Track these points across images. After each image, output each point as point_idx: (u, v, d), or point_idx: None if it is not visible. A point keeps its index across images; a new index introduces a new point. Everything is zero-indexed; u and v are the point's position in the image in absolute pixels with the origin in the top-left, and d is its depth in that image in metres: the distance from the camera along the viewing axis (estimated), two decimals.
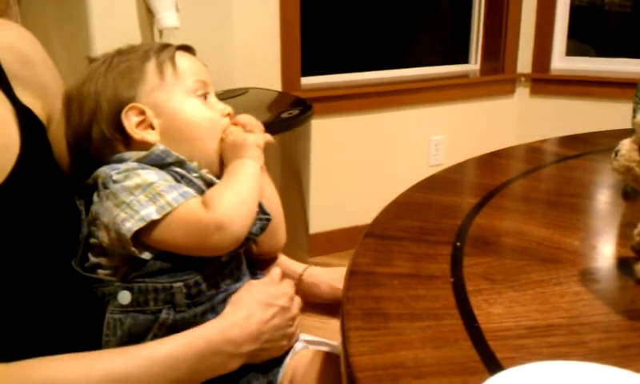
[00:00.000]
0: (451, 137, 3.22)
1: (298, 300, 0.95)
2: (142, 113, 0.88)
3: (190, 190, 0.84)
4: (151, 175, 0.82)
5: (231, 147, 0.91)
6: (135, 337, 0.82)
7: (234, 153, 0.91)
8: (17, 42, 0.84)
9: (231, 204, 0.83)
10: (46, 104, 0.86)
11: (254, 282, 0.92)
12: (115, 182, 0.82)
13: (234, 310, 0.85)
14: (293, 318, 0.92)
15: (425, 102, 3.14)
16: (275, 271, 0.96)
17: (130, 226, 0.79)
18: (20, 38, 0.85)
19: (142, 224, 0.79)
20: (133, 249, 0.80)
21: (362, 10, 3.33)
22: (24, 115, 0.79)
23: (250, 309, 0.85)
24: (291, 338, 0.93)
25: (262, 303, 0.87)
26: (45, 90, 0.86)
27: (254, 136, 0.93)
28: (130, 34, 2.03)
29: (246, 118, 0.96)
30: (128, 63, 0.89)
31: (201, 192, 0.87)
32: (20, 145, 0.77)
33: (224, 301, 0.87)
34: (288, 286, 0.94)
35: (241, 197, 0.85)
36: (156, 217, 0.79)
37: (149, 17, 2.07)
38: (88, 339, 0.80)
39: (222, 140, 0.93)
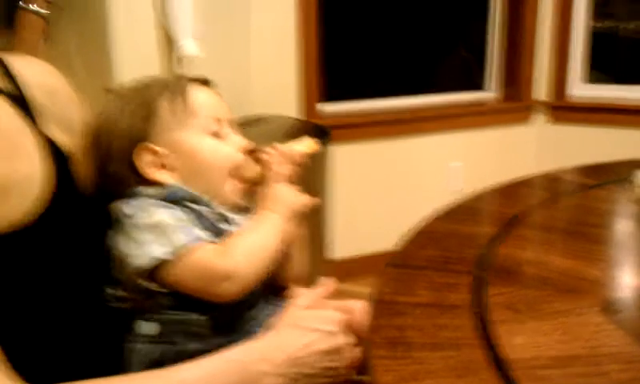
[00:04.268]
0: (469, 164, 3.22)
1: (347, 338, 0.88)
2: (155, 153, 0.88)
3: (201, 233, 0.83)
4: (162, 214, 0.83)
5: (264, 197, 0.92)
6: (159, 366, 0.81)
7: (264, 202, 0.91)
8: (44, 77, 0.87)
9: (243, 255, 0.83)
10: (71, 136, 0.88)
11: (294, 304, 0.88)
12: (130, 217, 0.83)
13: (270, 332, 0.83)
14: (345, 347, 0.85)
15: (443, 129, 3.15)
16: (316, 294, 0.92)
17: (138, 264, 0.80)
18: (46, 74, 0.88)
19: (148, 262, 0.80)
20: (145, 284, 0.81)
21: (380, 38, 3.36)
22: (48, 147, 0.82)
23: (286, 332, 0.83)
24: (347, 368, 0.86)
25: (299, 327, 0.84)
26: (69, 123, 0.88)
27: (292, 197, 0.92)
28: (150, 62, 2.07)
29: (266, 156, 0.95)
30: (142, 100, 0.90)
31: (213, 227, 0.87)
32: (46, 175, 0.79)
33: (246, 330, 0.87)
34: (335, 313, 0.87)
35: (255, 248, 0.85)
36: (161, 257, 0.80)
37: (169, 45, 2.11)
38: (112, 368, 0.81)
39: (237, 174, 0.92)
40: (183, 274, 0.81)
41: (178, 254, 0.80)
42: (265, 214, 0.90)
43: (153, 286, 0.82)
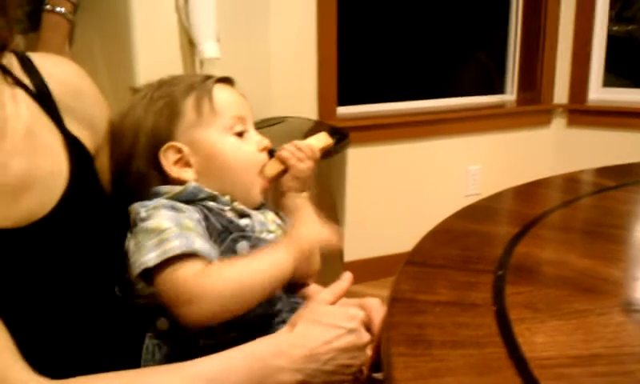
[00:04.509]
0: (488, 167, 3.21)
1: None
2: (180, 151, 0.89)
3: (199, 243, 0.80)
4: (164, 218, 0.81)
5: (287, 230, 0.91)
6: (173, 361, 0.82)
7: (285, 234, 0.91)
8: (69, 76, 0.89)
9: (225, 284, 0.80)
10: (94, 135, 0.89)
11: (315, 300, 0.88)
12: (142, 220, 0.83)
13: (289, 327, 0.83)
14: (365, 345, 0.85)
15: (461, 132, 3.15)
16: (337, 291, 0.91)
17: (135, 268, 0.80)
18: (72, 74, 0.90)
19: (142, 268, 0.79)
20: (148, 288, 0.81)
21: (397, 41, 3.36)
22: (73, 144, 0.84)
23: (306, 327, 0.83)
24: (362, 365, 0.86)
25: (321, 323, 0.83)
26: (93, 122, 0.90)
27: (314, 233, 0.90)
28: (172, 65, 2.08)
29: (286, 153, 0.96)
30: (168, 99, 0.91)
31: (231, 224, 0.88)
32: (68, 171, 0.81)
33: (259, 326, 0.87)
34: (356, 310, 0.87)
35: (244, 281, 0.82)
36: (151, 264, 0.78)
37: (190, 48, 2.12)
38: (128, 361, 0.82)
39: (260, 173, 0.94)
40: (162, 284, 0.79)
41: (165, 258, 0.78)
42: (278, 248, 0.87)
43: (151, 288, 0.81)
